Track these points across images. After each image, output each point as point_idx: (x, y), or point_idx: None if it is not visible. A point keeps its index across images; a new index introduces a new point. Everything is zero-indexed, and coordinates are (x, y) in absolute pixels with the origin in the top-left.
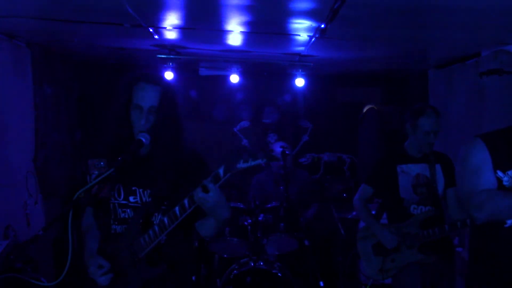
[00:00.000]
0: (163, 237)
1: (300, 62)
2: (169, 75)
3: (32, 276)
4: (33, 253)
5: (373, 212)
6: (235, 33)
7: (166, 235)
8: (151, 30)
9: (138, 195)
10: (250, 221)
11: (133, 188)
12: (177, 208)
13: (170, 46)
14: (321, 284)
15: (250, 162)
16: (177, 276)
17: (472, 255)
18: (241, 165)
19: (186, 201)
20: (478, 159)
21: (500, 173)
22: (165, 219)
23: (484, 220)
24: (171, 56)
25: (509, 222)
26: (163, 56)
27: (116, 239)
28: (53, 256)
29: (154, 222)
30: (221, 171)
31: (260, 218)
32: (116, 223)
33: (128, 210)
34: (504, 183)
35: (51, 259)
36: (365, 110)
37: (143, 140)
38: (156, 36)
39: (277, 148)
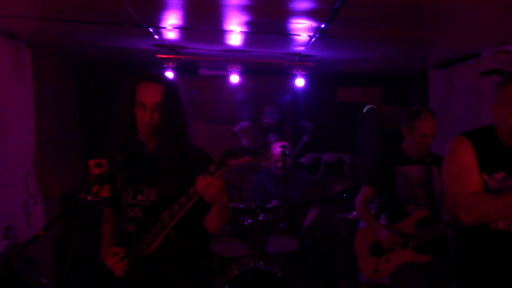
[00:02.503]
0: (169, 232)
1: (300, 62)
2: (169, 75)
3: (32, 276)
4: (33, 253)
5: (372, 212)
6: (235, 33)
7: (175, 232)
8: (151, 30)
9: (145, 194)
10: (250, 221)
11: (140, 187)
12: (183, 198)
13: (170, 46)
14: (321, 284)
15: (238, 158)
16: (187, 272)
17: (457, 257)
18: (231, 162)
19: (192, 190)
20: (464, 160)
21: (485, 176)
22: (175, 209)
23: (470, 223)
24: (171, 56)
25: (493, 224)
26: (163, 56)
27: (128, 238)
28: (53, 256)
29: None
30: (212, 168)
31: (260, 218)
32: (127, 222)
33: (136, 209)
34: (489, 186)
35: (51, 259)
36: (365, 110)
37: (143, 140)
38: (156, 36)
39: (277, 148)
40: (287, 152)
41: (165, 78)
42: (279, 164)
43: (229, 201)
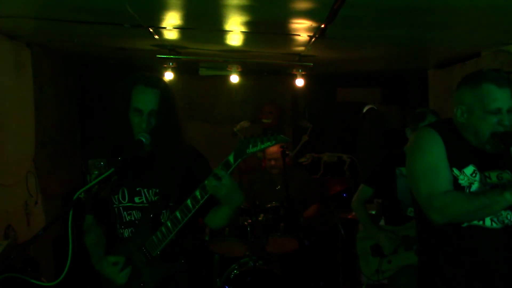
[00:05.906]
0: (175, 232)
1: (300, 62)
2: (169, 75)
3: (32, 276)
4: (33, 253)
5: (373, 212)
6: (235, 33)
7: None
8: (151, 30)
9: (143, 195)
10: (250, 221)
11: (138, 188)
12: (189, 201)
13: (170, 46)
14: (321, 284)
15: (259, 145)
16: (190, 271)
17: (425, 257)
18: (251, 149)
19: (198, 192)
20: (435, 155)
21: (456, 171)
22: (178, 214)
23: (443, 223)
24: (171, 56)
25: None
26: (163, 56)
27: (125, 243)
28: (53, 256)
29: (162, 220)
30: (231, 158)
31: (260, 218)
32: (123, 227)
33: (134, 211)
34: (460, 181)
35: (51, 259)
36: (365, 110)
37: (143, 140)
38: (156, 36)
39: (274, 147)
40: (286, 152)
41: (161, 82)
42: (272, 163)
43: (242, 202)
